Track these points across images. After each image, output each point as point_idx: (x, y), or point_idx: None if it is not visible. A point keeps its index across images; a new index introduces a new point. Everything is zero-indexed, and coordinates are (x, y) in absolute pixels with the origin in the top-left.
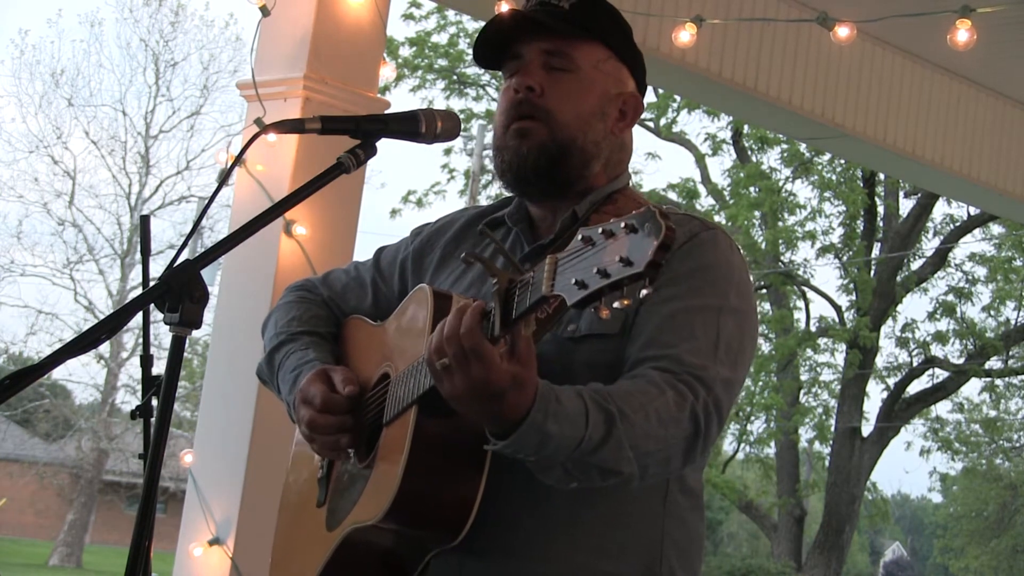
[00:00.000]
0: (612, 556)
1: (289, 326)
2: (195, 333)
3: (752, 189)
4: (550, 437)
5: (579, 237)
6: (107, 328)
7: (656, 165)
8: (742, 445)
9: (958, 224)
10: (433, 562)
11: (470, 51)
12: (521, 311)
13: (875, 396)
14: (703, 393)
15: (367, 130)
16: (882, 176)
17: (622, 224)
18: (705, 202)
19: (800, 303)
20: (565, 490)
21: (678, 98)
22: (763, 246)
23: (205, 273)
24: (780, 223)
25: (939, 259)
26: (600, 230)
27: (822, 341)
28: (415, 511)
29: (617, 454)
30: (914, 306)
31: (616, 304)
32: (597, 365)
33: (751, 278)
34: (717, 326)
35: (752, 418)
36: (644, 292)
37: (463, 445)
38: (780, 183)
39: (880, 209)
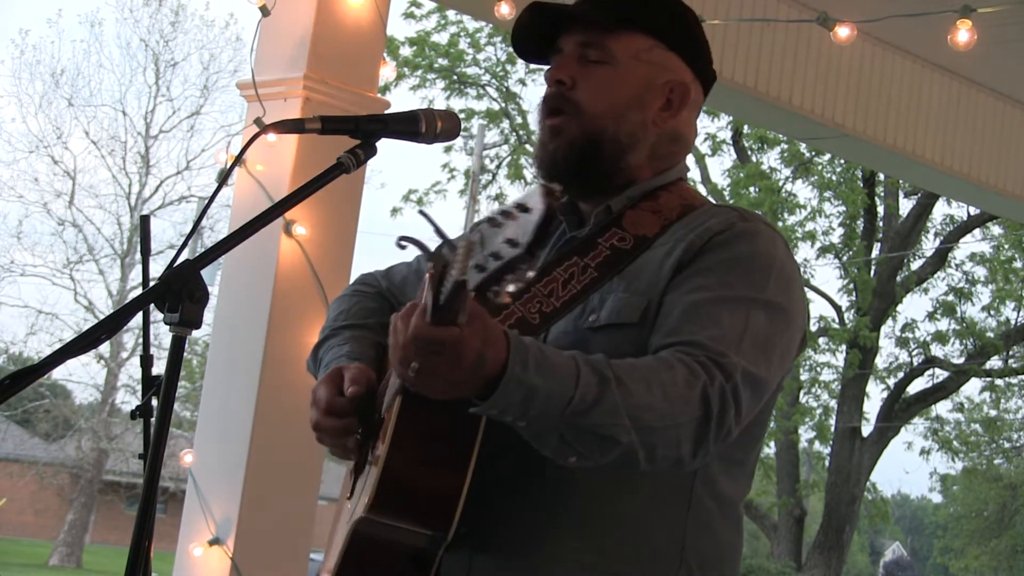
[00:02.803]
0: (623, 559)
1: (336, 320)
2: (195, 333)
3: (752, 189)
4: (535, 391)
5: (487, 219)
6: (107, 328)
7: None
8: None
9: (958, 224)
10: (445, 557)
11: (470, 51)
12: (445, 296)
13: (875, 396)
14: (720, 378)
15: (367, 130)
16: (882, 176)
17: (515, 204)
18: None
19: None
20: (578, 490)
21: None
22: None
23: (205, 273)
24: (780, 223)
25: (939, 259)
26: (500, 211)
27: (822, 341)
28: (399, 504)
29: (612, 419)
30: (914, 306)
31: (511, 287)
32: (615, 355)
33: (795, 275)
34: (746, 318)
35: None
36: (530, 275)
37: (449, 437)
38: (780, 183)
39: (880, 209)
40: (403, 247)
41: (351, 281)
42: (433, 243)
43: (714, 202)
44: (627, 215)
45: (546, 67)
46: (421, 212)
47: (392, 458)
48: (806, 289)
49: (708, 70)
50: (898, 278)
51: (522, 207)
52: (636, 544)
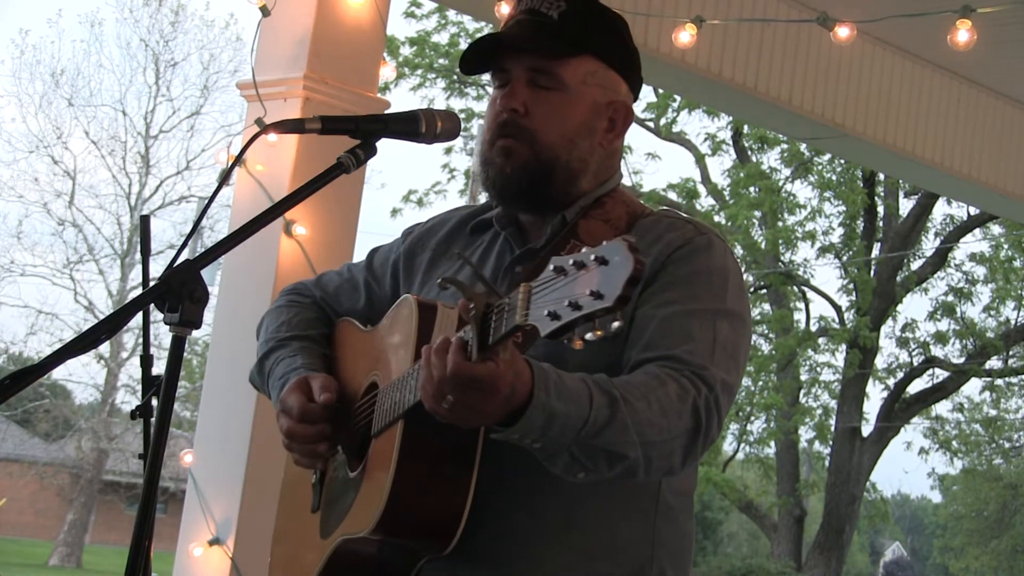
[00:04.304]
0: (603, 557)
1: (278, 332)
2: (195, 333)
3: (752, 189)
4: (555, 416)
5: (551, 267)
6: (107, 328)
7: (656, 165)
8: (742, 445)
9: (958, 224)
10: (426, 567)
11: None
12: (497, 337)
13: (875, 396)
14: (704, 390)
15: (367, 130)
16: (882, 176)
17: (592, 256)
18: (705, 202)
19: (800, 303)
20: (557, 494)
21: (678, 98)
22: (763, 246)
23: (205, 273)
24: (780, 223)
25: (939, 259)
26: (571, 261)
27: (822, 341)
28: (403, 524)
29: (623, 437)
30: (914, 306)
31: (588, 335)
32: (591, 368)
33: (744, 282)
34: (714, 329)
35: (752, 418)
36: (615, 325)
37: (450, 458)
38: (780, 183)
39: (880, 209)
40: (445, 288)
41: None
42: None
43: (648, 205)
44: (580, 225)
45: (485, 74)
46: (459, 254)
47: (398, 482)
48: (806, 289)
49: (639, 80)
50: (898, 278)
51: (600, 259)
52: (614, 543)
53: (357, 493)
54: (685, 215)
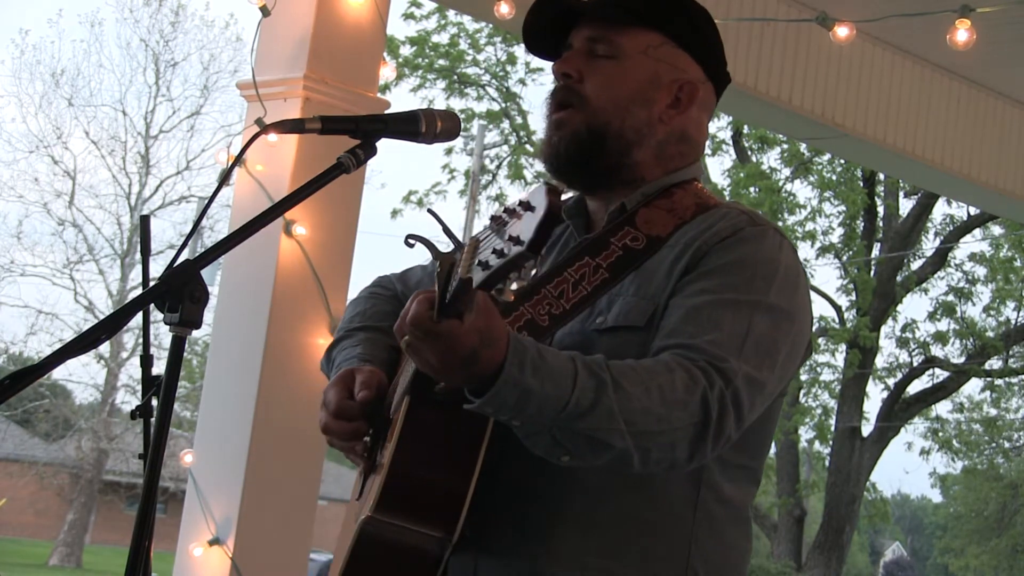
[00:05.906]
0: (629, 562)
1: (351, 323)
2: (195, 333)
3: (752, 189)
4: (530, 393)
5: (490, 219)
6: (107, 328)
7: None
8: None
9: (958, 224)
10: (451, 560)
11: (470, 51)
12: (450, 296)
13: (875, 396)
14: (720, 383)
15: (367, 130)
16: (882, 176)
17: (519, 202)
18: None
19: None
20: (582, 492)
21: None
22: None
23: (205, 273)
24: (780, 223)
25: (939, 259)
26: (504, 209)
27: (822, 341)
28: (404, 504)
29: (607, 424)
30: (914, 306)
31: (514, 285)
32: (619, 358)
33: (801, 281)
34: (748, 322)
35: None
36: (533, 272)
37: (456, 439)
38: (780, 183)
39: (880, 209)
40: (411, 245)
41: (351, 281)
42: (441, 242)
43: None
44: (640, 213)
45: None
46: (430, 211)
47: (398, 458)
48: None
49: (721, 71)
50: (898, 278)
51: (526, 205)
52: (642, 547)
53: (377, 476)
54: (749, 209)
